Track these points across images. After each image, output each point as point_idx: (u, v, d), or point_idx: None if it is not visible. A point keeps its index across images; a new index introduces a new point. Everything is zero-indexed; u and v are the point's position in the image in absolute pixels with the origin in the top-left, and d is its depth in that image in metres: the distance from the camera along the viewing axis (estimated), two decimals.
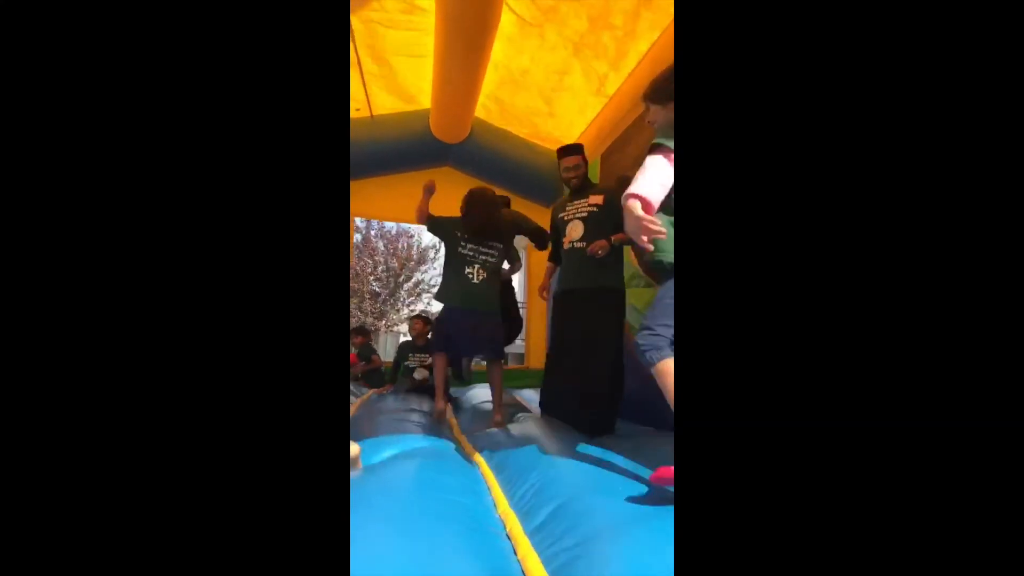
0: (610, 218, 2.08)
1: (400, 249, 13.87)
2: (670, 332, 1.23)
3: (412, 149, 3.89)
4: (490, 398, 2.38)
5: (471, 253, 2.24)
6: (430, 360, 3.06)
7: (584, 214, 2.16)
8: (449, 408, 2.48)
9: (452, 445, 1.74)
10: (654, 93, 1.40)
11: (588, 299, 2.11)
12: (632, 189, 1.10)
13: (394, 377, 3.66)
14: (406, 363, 3.59)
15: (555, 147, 3.89)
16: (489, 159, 4.00)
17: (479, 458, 1.60)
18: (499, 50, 2.94)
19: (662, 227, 1.05)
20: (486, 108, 3.73)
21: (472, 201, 2.28)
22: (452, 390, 3.05)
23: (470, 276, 2.21)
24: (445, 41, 2.63)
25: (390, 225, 13.47)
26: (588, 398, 2.05)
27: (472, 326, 2.23)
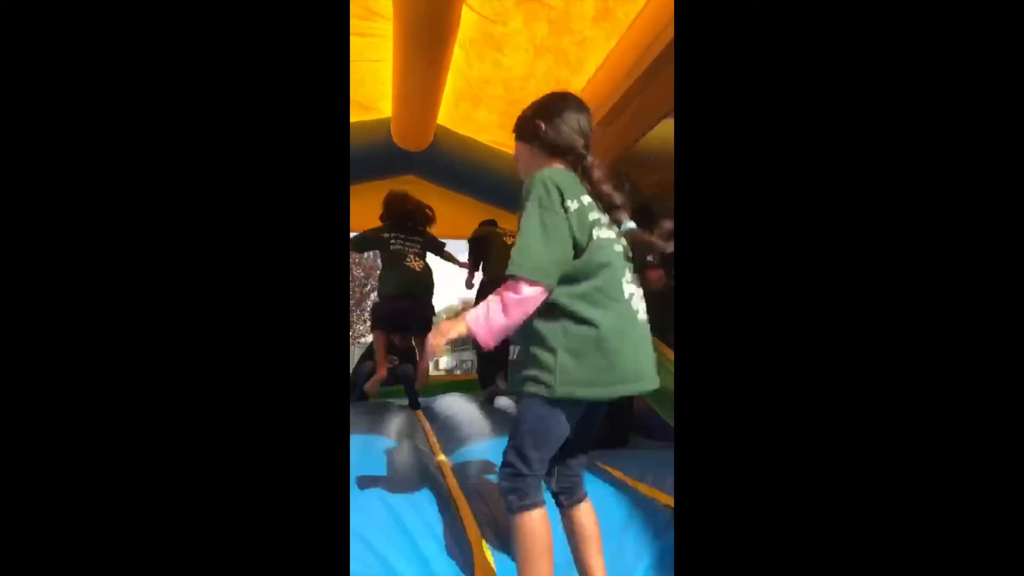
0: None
1: (364, 258, 13.67)
2: (543, 467, 1.01)
3: (375, 158, 3.83)
4: (456, 411, 2.40)
5: (403, 246, 2.57)
6: (397, 361, 3.08)
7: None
8: (421, 416, 2.46)
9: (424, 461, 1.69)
10: (518, 129, 1.20)
11: None
12: (470, 319, 0.98)
13: (352, 387, 3.46)
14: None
15: None
16: (453, 166, 3.98)
17: (447, 468, 1.56)
18: (459, 58, 2.92)
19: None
20: (448, 118, 3.71)
21: (390, 202, 2.74)
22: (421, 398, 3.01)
23: (410, 266, 2.52)
24: (404, 47, 2.60)
25: (354, 234, 13.28)
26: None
27: (408, 308, 2.54)
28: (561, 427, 1.00)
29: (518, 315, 0.97)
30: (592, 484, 1.32)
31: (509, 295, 0.97)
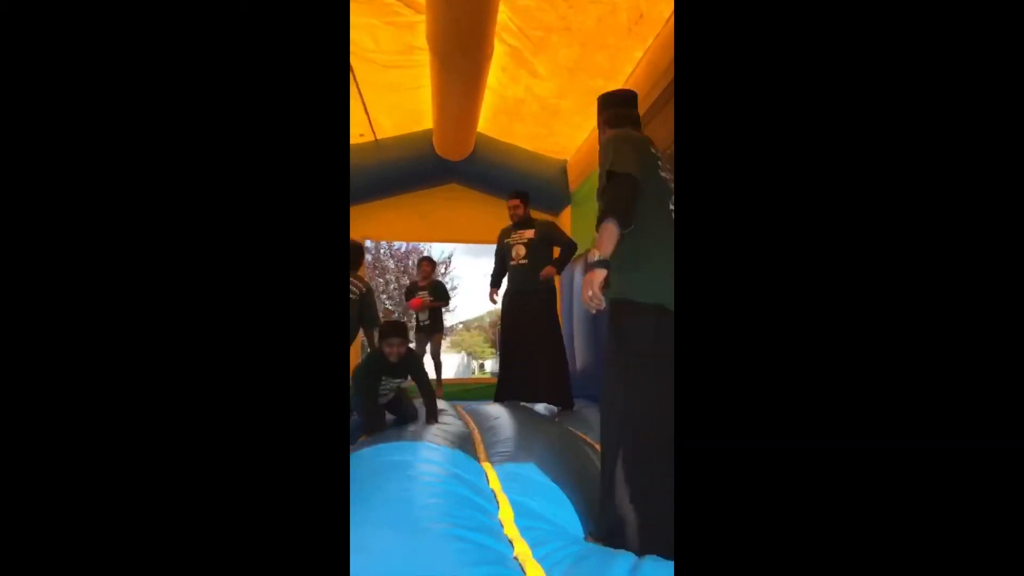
0: (542, 244, 3.10)
1: (411, 266, 13.97)
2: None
3: (417, 169, 3.95)
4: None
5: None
6: (405, 383, 2.56)
7: (525, 240, 3.13)
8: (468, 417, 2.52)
9: (462, 454, 1.74)
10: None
11: (533, 297, 3.05)
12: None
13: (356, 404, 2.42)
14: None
15: (560, 156, 4.00)
16: (494, 173, 4.04)
17: (490, 470, 1.61)
18: (494, 79, 3.00)
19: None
20: (487, 129, 3.78)
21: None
22: (468, 405, 3.09)
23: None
24: (441, 76, 2.69)
25: (399, 244, 13.60)
26: (544, 376, 2.89)
27: None
28: None
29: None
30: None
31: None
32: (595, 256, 1.37)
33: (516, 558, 1.05)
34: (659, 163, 1.57)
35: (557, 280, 3.24)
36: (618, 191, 1.40)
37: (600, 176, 1.52)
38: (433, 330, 4.05)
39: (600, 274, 1.34)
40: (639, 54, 2.76)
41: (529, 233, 3.12)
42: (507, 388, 3.04)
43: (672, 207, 1.54)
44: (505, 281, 3.23)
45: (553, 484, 1.51)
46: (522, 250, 3.10)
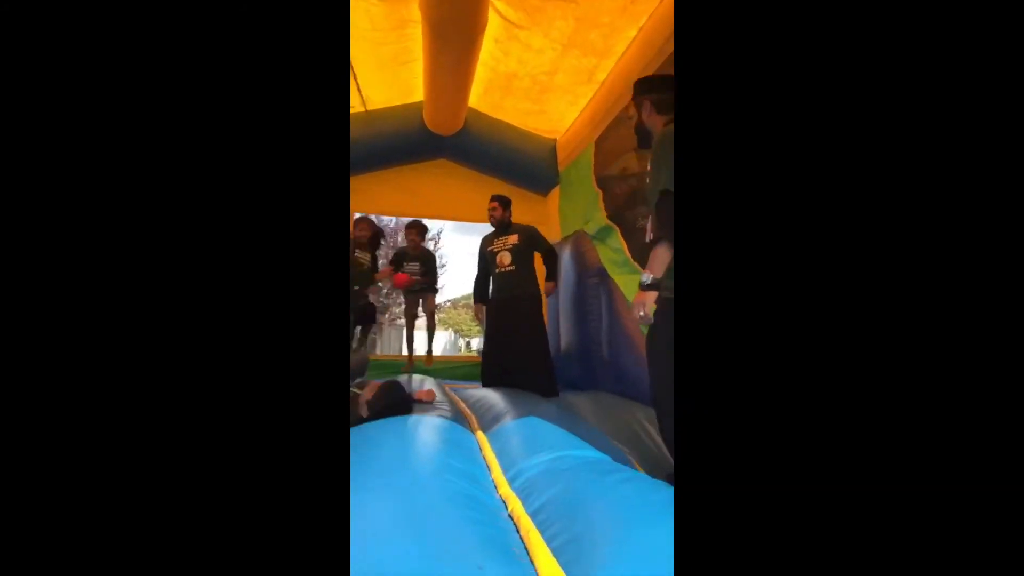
0: (527, 249, 3.18)
1: (399, 242, 13.89)
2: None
3: (407, 143, 3.92)
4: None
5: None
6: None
7: (510, 247, 3.21)
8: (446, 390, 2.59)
9: (456, 424, 1.79)
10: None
11: (519, 302, 3.10)
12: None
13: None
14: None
15: (550, 135, 3.98)
16: (484, 150, 4.03)
17: (481, 437, 1.65)
18: (487, 52, 2.97)
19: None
20: (478, 104, 3.76)
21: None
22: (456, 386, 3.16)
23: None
24: (433, 46, 2.66)
25: (387, 219, 13.47)
26: (527, 370, 2.94)
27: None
28: None
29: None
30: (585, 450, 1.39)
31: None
32: (649, 278, 1.39)
33: (510, 515, 1.10)
34: None
35: (542, 285, 3.27)
36: (673, 214, 1.37)
37: (654, 181, 1.45)
38: (427, 291, 4.03)
39: (651, 296, 1.39)
40: (633, 32, 2.76)
41: (513, 239, 3.20)
42: (492, 379, 3.07)
43: None
44: (491, 288, 3.29)
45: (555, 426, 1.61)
46: (507, 257, 3.19)
